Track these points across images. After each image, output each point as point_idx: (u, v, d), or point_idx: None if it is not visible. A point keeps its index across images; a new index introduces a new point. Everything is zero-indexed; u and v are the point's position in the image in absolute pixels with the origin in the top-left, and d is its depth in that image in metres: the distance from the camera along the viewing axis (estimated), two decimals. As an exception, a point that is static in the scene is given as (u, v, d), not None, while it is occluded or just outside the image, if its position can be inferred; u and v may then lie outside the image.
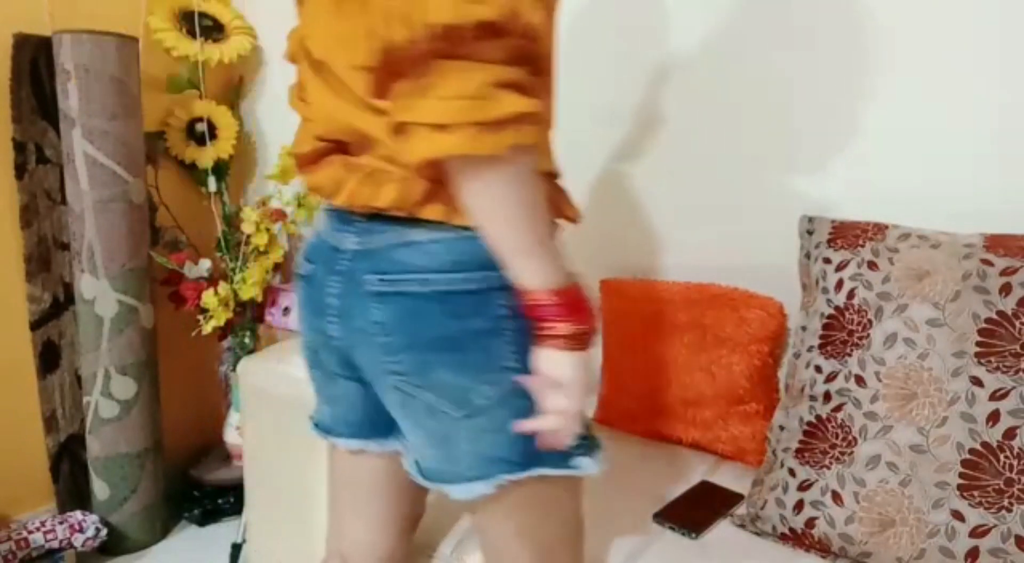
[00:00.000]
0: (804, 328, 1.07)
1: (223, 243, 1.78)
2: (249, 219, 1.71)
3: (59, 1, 1.56)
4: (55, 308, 1.63)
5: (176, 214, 1.82)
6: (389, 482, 0.87)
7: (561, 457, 0.73)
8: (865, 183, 1.18)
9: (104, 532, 1.59)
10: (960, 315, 0.92)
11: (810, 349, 1.04)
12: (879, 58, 1.14)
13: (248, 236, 1.73)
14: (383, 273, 0.68)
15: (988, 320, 0.90)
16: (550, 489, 0.75)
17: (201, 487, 1.81)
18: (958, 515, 0.87)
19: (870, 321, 0.99)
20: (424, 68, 0.56)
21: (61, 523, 1.53)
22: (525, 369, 0.69)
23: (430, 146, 0.57)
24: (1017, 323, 0.88)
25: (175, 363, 1.88)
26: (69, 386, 1.66)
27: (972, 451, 0.88)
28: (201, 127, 1.75)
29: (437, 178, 0.64)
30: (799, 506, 0.99)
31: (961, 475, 0.88)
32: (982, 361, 0.89)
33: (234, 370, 1.75)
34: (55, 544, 1.51)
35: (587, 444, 0.75)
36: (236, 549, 1.62)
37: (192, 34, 1.70)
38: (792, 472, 1.01)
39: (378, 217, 0.68)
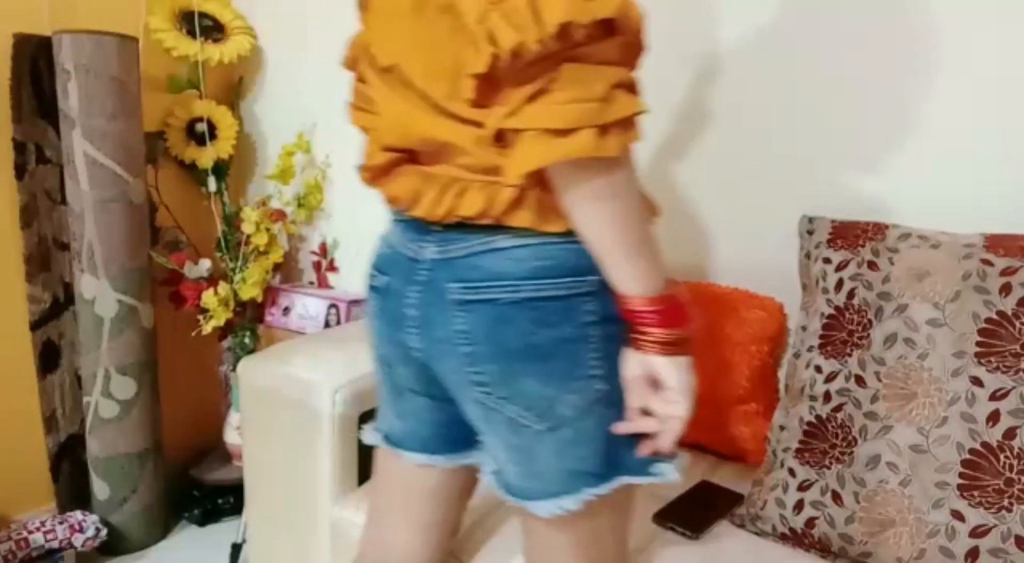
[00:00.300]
0: (804, 328, 1.07)
1: (223, 243, 1.78)
2: (249, 219, 1.71)
3: (59, 1, 1.56)
4: (55, 308, 1.63)
5: (176, 214, 1.82)
6: (443, 492, 0.86)
7: (643, 464, 0.71)
8: (865, 183, 1.18)
9: (104, 532, 1.59)
10: (960, 315, 0.92)
11: (810, 349, 1.04)
12: (878, 58, 1.14)
13: (248, 236, 1.73)
14: (466, 281, 0.66)
15: (988, 320, 0.90)
16: (614, 498, 0.72)
17: (201, 487, 1.81)
18: (958, 515, 0.87)
19: (870, 321, 0.98)
20: (537, 72, 0.55)
21: (61, 523, 1.53)
22: (610, 377, 0.67)
23: (547, 151, 0.56)
24: (1017, 323, 0.88)
25: (175, 363, 1.88)
26: (69, 386, 1.66)
27: (972, 451, 0.88)
28: (201, 127, 1.75)
29: (526, 184, 0.63)
30: (799, 506, 0.99)
31: (961, 475, 0.88)
32: (982, 361, 0.89)
33: (234, 370, 1.75)
34: (55, 544, 1.50)
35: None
36: (236, 549, 1.62)
37: (192, 34, 1.70)
38: (792, 472, 1.01)
39: (458, 225, 0.67)
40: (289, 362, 1.26)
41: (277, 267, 1.86)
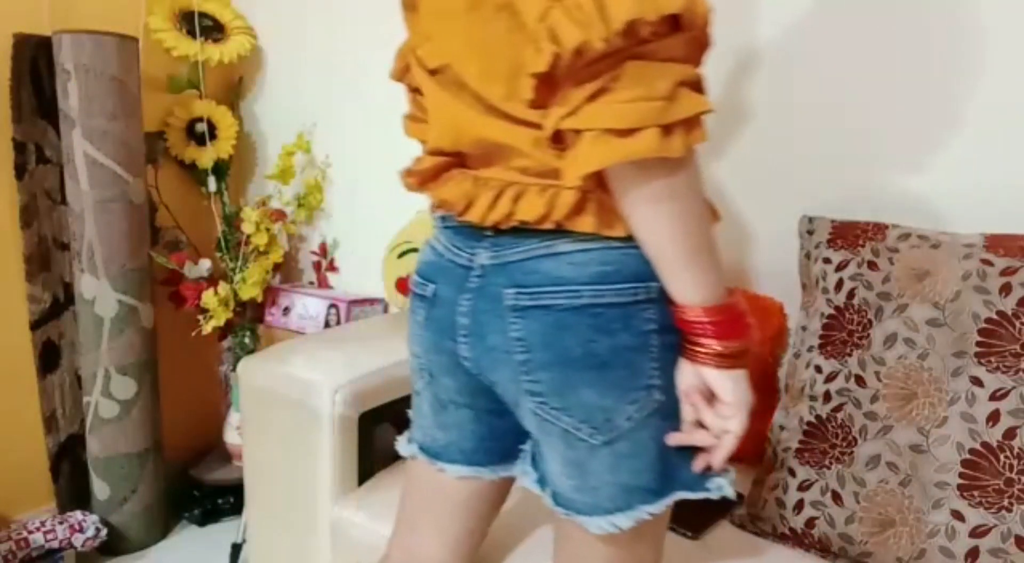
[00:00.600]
0: (804, 328, 1.07)
1: (223, 243, 1.78)
2: (249, 219, 1.71)
3: (59, 1, 1.56)
4: (55, 308, 1.63)
5: (176, 214, 1.82)
6: (476, 503, 0.85)
7: (698, 479, 0.69)
8: (865, 183, 1.18)
9: (104, 532, 1.59)
10: (960, 315, 0.92)
11: (810, 349, 1.04)
12: (877, 58, 1.14)
13: (248, 236, 1.73)
14: (523, 286, 0.64)
15: (988, 320, 0.90)
16: (661, 513, 0.70)
17: (201, 487, 1.81)
18: (958, 515, 0.87)
19: (870, 321, 0.98)
20: (598, 70, 0.53)
21: (61, 523, 1.53)
22: (667, 387, 0.66)
23: (608, 152, 0.54)
24: (1017, 323, 0.88)
25: (175, 363, 1.88)
26: (69, 386, 1.66)
27: (972, 451, 0.88)
28: (201, 127, 1.75)
29: (587, 187, 0.61)
30: (799, 506, 0.99)
31: (961, 475, 0.88)
32: (982, 361, 0.89)
33: (234, 370, 1.75)
34: (55, 544, 1.50)
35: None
36: (236, 549, 1.62)
37: (192, 34, 1.70)
38: (792, 472, 1.01)
39: (512, 229, 0.65)
40: (289, 362, 1.26)
41: (277, 267, 1.86)
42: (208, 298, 1.68)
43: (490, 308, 0.66)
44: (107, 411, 1.60)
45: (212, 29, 1.75)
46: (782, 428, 1.05)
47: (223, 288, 1.71)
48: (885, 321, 0.97)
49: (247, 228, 1.71)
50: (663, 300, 0.64)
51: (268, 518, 1.31)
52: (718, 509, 1.07)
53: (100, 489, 1.64)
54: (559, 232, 0.63)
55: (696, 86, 0.56)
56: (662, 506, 0.68)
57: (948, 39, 1.09)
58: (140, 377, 1.63)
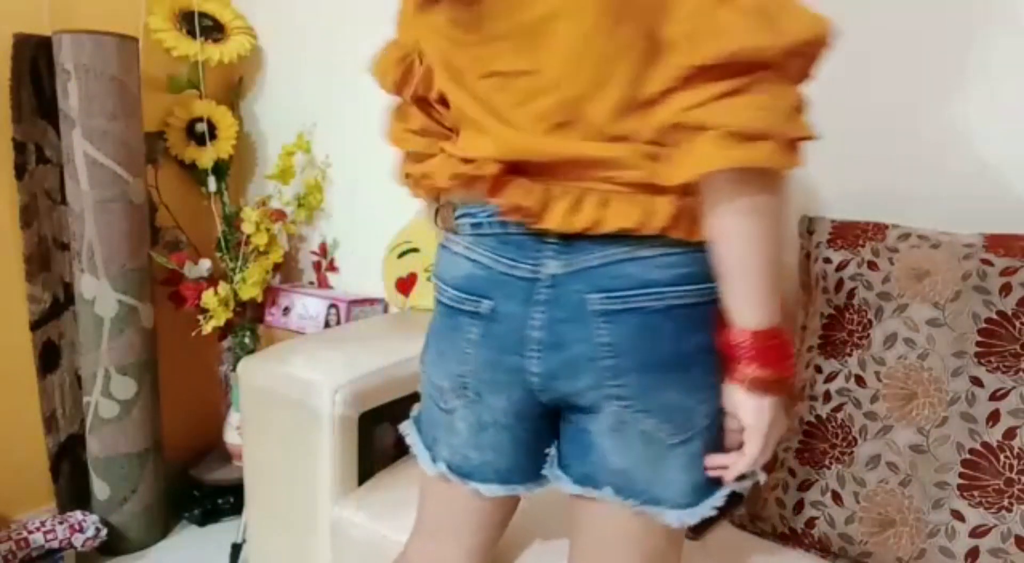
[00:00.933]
0: (804, 328, 1.07)
1: (223, 243, 1.78)
2: (249, 219, 1.71)
3: (59, 1, 1.56)
4: (55, 308, 1.62)
5: (176, 214, 1.82)
6: (495, 516, 0.85)
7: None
8: (865, 183, 1.18)
9: (104, 532, 1.58)
10: (960, 315, 0.92)
11: (810, 349, 1.04)
12: (876, 58, 1.14)
13: (248, 236, 1.73)
14: (609, 291, 0.64)
15: (988, 320, 0.90)
16: None
17: (201, 487, 1.81)
18: (958, 515, 0.87)
19: (870, 321, 0.99)
20: (737, 72, 0.54)
21: (61, 523, 1.53)
22: (721, 388, 0.68)
23: (730, 155, 0.54)
24: (1017, 323, 0.88)
25: (175, 363, 1.88)
26: (69, 386, 1.66)
27: (972, 451, 0.88)
28: (201, 127, 1.75)
29: (682, 192, 0.62)
30: (799, 506, 0.99)
31: (961, 475, 0.88)
32: (982, 361, 0.89)
33: (234, 370, 1.75)
34: (55, 544, 1.50)
35: None
36: (236, 549, 1.62)
37: (192, 34, 1.70)
38: (792, 472, 1.01)
39: (579, 235, 0.64)
40: (289, 362, 1.26)
41: (277, 267, 1.86)
42: (208, 298, 1.68)
43: (569, 317, 0.66)
44: (107, 411, 1.60)
45: (212, 29, 1.74)
46: (782, 428, 1.05)
47: (223, 288, 1.71)
48: (885, 321, 0.97)
49: (247, 228, 1.71)
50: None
51: (268, 518, 1.31)
52: (718, 509, 1.07)
53: (100, 489, 1.64)
54: (638, 237, 0.64)
55: (804, 109, 0.57)
56: (722, 499, 0.72)
57: (947, 39, 1.09)
58: (140, 377, 1.63)
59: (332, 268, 1.89)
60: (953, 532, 0.87)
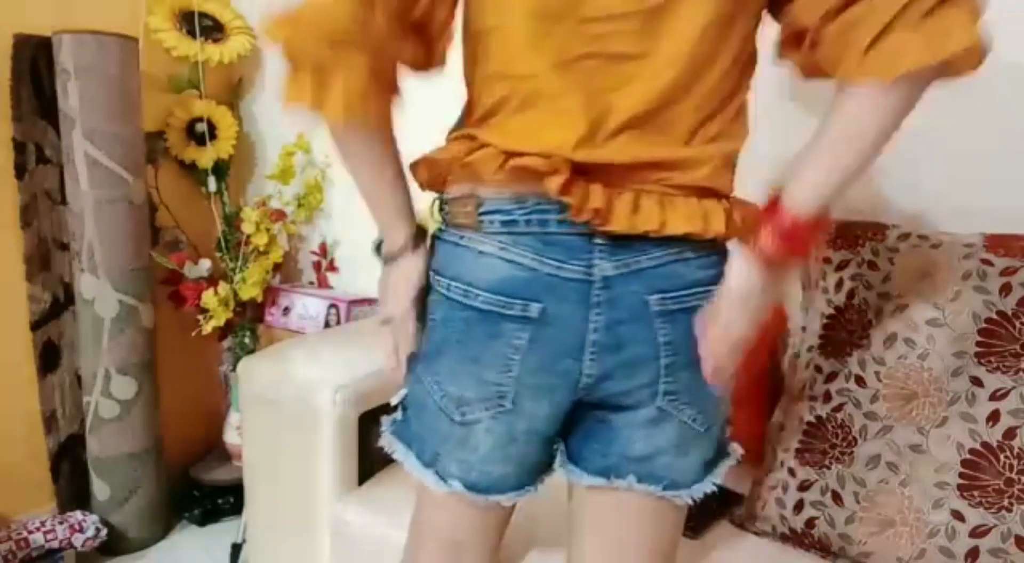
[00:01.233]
0: (804, 328, 1.07)
1: (223, 243, 1.78)
2: (249, 219, 1.71)
3: (59, 1, 1.56)
4: (55, 308, 1.62)
5: (176, 214, 1.82)
6: (504, 518, 0.84)
7: (728, 445, 0.79)
8: (865, 183, 1.18)
9: (104, 532, 1.58)
10: (960, 315, 0.92)
11: (810, 349, 1.04)
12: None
13: (248, 236, 1.73)
14: (666, 291, 0.66)
15: (988, 320, 0.90)
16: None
17: (201, 487, 1.81)
18: (958, 515, 0.87)
19: (870, 321, 0.99)
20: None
21: (61, 523, 1.53)
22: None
23: (968, 35, 0.55)
24: (1017, 323, 0.88)
25: (175, 363, 1.88)
26: (69, 386, 1.66)
27: (972, 451, 0.88)
28: (201, 127, 1.75)
29: (724, 197, 0.67)
30: (799, 506, 0.99)
31: (961, 475, 0.88)
32: (982, 361, 0.89)
33: (234, 370, 1.75)
34: (55, 544, 1.50)
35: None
36: (236, 549, 1.62)
37: (192, 34, 1.70)
38: (792, 472, 1.01)
39: (624, 237, 0.64)
40: (289, 362, 1.26)
41: (277, 267, 1.86)
42: (208, 298, 1.68)
43: (630, 318, 0.66)
44: (107, 411, 1.60)
45: (212, 29, 1.74)
46: (782, 428, 1.05)
47: (223, 288, 1.71)
48: (885, 321, 0.97)
49: (247, 228, 1.71)
50: None
51: (268, 518, 1.31)
52: (718, 509, 1.07)
53: (100, 489, 1.64)
54: (686, 239, 0.66)
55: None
56: (721, 475, 0.77)
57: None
58: (140, 377, 1.63)
59: (332, 268, 1.89)
60: (953, 532, 0.87)
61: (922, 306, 0.95)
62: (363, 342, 1.35)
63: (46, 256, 1.60)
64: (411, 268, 0.75)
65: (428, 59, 0.71)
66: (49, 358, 1.63)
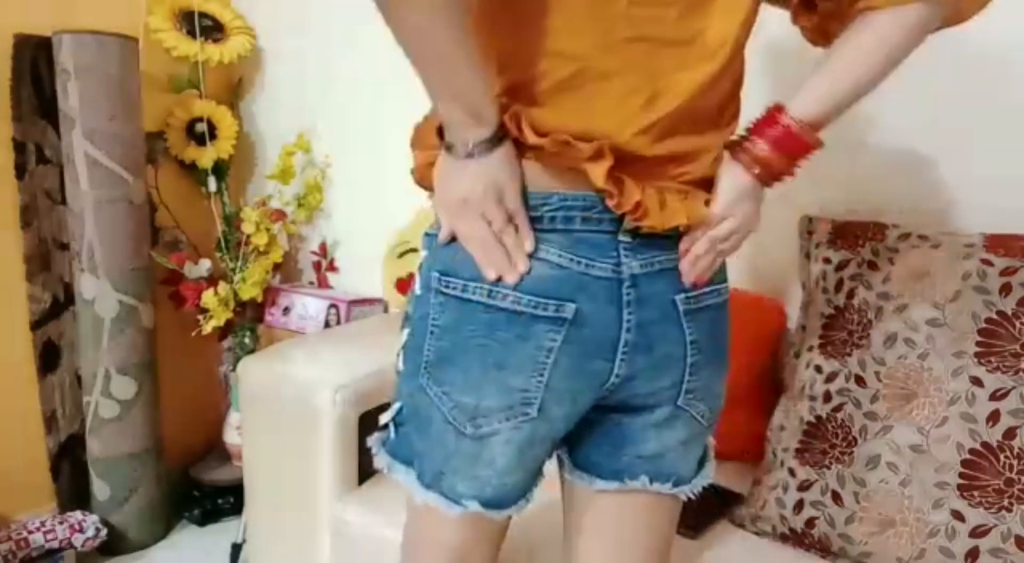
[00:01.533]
0: (804, 328, 1.07)
1: (223, 243, 1.78)
2: (249, 219, 1.71)
3: (59, 1, 1.56)
4: (55, 308, 1.62)
5: (176, 214, 1.82)
6: (505, 531, 0.82)
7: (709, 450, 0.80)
8: (865, 183, 1.18)
9: (104, 532, 1.58)
10: (960, 315, 0.92)
11: (810, 349, 1.04)
12: (879, 58, 1.14)
13: (248, 236, 1.73)
14: (686, 290, 0.66)
15: (988, 320, 0.90)
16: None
17: (201, 487, 1.81)
18: (958, 515, 0.87)
19: (870, 321, 0.99)
20: None
21: (61, 523, 1.53)
22: None
23: None
24: (1017, 323, 0.88)
25: (175, 363, 1.88)
26: (69, 386, 1.66)
27: (972, 451, 0.88)
28: (201, 127, 1.75)
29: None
30: (799, 506, 0.99)
31: (961, 475, 0.88)
32: (982, 361, 0.89)
33: (234, 370, 1.75)
34: (55, 544, 1.50)
35: None
36: (236, 549, 1.62)
37: (192, 34, 1.70)
38: (792, 472, 1.01)
39: (647, 234, 0.63)
40: (289, 362, 1.26)
41: (277, 267, 1.86)
42: (208, 298, 1.68)
43: (660, 317, 0.65)
44: (107, 411, 1.60)
45: (212, 29, 1.74)
46: (782, 428, 1.05)
47: (223, 288, 1.71)
48: (885, 321, 0.97)
49: (247, 228, 1.71)
50: None
51: (268, 518, 1.31)
52: (718, 509, 1.07)
53: (100, 489, 1.64)
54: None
55: None
56: (711, 471, 0.78)
57: (947, 39, 1.09)
58: (140, 377, 1.63)
59: (332, 268, 1.89)
60: (953, 532, 0.87)
61: (922, 306, 0.95)
62: (363, 342, 1.35)
63: (46, 256, 1.60)
64: (513, 154, 0.62)
65: None
66: (49, 358, 1.63)
